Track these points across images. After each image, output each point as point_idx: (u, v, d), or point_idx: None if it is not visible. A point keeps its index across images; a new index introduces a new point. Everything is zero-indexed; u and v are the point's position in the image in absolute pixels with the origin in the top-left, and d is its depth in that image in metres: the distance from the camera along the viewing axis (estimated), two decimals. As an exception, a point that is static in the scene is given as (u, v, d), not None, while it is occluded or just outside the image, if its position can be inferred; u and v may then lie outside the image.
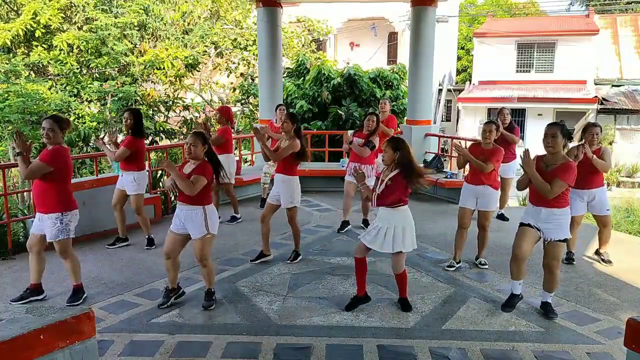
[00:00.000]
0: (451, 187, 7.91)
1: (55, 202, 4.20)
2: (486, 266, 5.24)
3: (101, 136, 11.87)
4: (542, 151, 4.17)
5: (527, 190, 4.24)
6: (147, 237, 5.82)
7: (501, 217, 7.06)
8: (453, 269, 5.15)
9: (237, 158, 7.94)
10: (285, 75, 12.91)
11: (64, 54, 11.65)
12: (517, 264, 4.16)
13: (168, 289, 4.32)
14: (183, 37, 14.51)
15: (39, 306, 2.27)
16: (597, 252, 5.49)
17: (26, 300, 4.33)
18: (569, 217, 4.16)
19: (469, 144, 5.78)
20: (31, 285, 4.40)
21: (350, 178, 6.23)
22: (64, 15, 12.60)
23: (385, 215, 4.09)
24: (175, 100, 13.13)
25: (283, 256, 5.45)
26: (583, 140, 5.12)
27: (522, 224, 4.17)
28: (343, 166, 8.22)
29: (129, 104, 11.31)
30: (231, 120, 6.93)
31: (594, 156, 4.94)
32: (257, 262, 5.29)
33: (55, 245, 4.26)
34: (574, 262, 5.33)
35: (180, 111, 13.64)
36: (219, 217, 6.89)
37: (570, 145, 4.52)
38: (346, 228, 6.43)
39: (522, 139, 14.09)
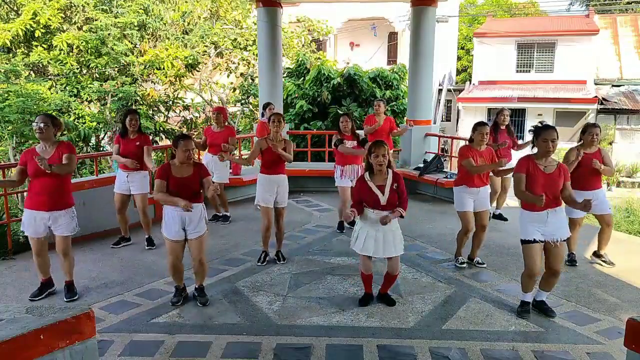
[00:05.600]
0: (451, 187, 7.87)
1: (69, 196, 4.36)
2: (484, 265, 5.25)
3: (101, 136, 11.90)
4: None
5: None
6: (147, 236, 5.84)
7: (499, 217, 7.05)
8: (465, 265, 5.20)
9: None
10: (285, 75, 12.90)
11: (63, 54, 11.64)
12: (533, 280, 4.13)
13: (180, 288, 4.38)
14: (183, 37, 14.50)
15: (38, 306, 2.27)
16: (597, 255, 5.40)
17: (44, 295, 4.42)
18: None
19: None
20: (44, 280, 4.46)
21: (346, 182, 6.19)
22: (63, 15, 12.58)
23: (373, 218, 4.11)
24: (175, 100, 13.13)
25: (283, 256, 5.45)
26: (582, 142, 5.11)
27: (527, 241, 4.02)
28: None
29: (129, 104, 11.30)
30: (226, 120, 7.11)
31: (603, 166, 4.99)
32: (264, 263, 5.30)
33: (64, 241, 4.31)
34: (577, 264, 5.31)
35: (180, 111, 13.64)
36: (230, 217, 6.94)
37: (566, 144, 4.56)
38: (344, 227, 6.45)
39: (522, 139, 14.08)
